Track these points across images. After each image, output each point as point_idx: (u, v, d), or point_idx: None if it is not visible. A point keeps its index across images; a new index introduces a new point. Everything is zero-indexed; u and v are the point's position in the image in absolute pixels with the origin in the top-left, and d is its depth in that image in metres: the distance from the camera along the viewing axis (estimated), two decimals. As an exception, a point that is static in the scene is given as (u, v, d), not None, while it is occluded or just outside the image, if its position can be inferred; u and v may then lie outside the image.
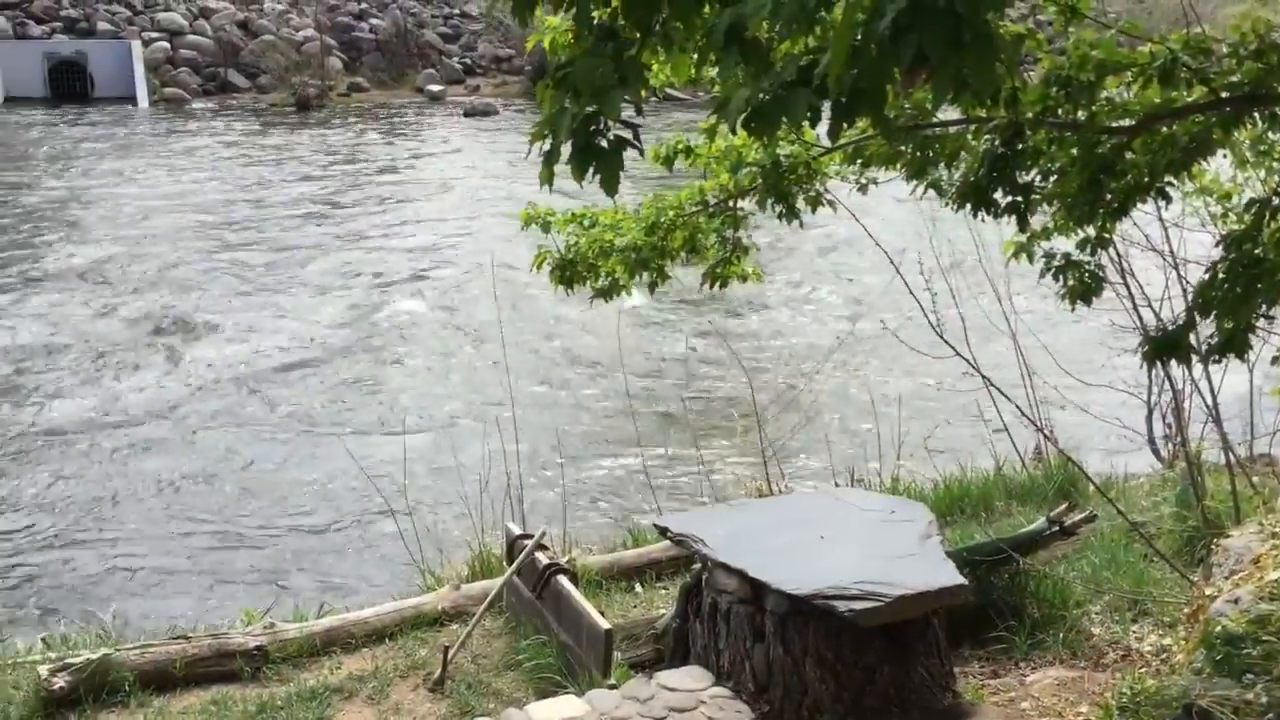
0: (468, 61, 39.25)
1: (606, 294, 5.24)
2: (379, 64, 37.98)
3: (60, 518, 9.34)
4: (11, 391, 12.02)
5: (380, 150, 27.85)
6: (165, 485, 9.97)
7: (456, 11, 41.30)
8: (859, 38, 2.08)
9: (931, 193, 4.56)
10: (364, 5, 39.64)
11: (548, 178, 2.66)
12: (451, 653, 5.59)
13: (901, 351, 8.77)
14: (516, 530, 6.36)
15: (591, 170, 2.53)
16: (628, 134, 2.54)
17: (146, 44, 35.80)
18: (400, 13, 39.25)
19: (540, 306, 14.20)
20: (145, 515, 9.43)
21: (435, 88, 36.93)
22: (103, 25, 36.12)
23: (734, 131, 2.76)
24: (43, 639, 6.20)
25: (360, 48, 38.21)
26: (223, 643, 5.65)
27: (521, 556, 6.03)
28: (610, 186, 2.54)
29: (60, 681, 5.14)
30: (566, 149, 2.56)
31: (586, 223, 5.15)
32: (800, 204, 4.86)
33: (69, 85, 34.73)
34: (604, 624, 5.27)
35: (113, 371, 12.63)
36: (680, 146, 5.04)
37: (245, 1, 38.44)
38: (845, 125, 2.31)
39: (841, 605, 4.58)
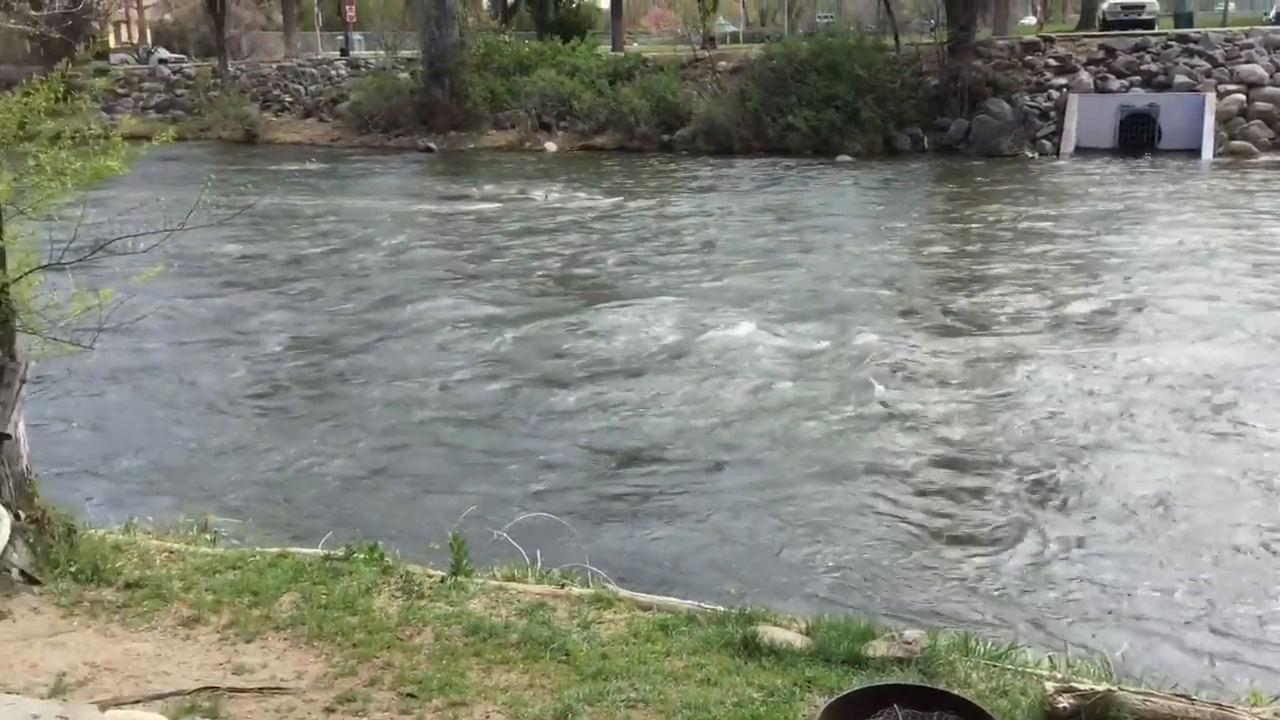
0: None
1: None
2: None
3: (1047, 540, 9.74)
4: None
5: None
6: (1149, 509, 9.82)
7: None
8: None
9: None
10: None
11: None
12: None
13: None
14: None
15: None
16: None
17: (1221, 96, 35.37)
18: None
19: None
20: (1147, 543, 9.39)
21: None
22: (1179, 78, 36.53)
23: None
24: (1049, 657, 6.54)
25: None
26: (1225, 715, 5.42)
27: None
28: None
29: (1064, 702, 5.38)
30: None
31: None
32: None
33: (1136, 136, 35.92)
34: None
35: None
36: None
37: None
38: None
39: None
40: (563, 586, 6.87)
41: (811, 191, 31.43)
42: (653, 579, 8.61)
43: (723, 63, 45.58)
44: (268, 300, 19.10)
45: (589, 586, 6.90)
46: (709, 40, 49.77)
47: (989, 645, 6.13)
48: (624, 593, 6.68)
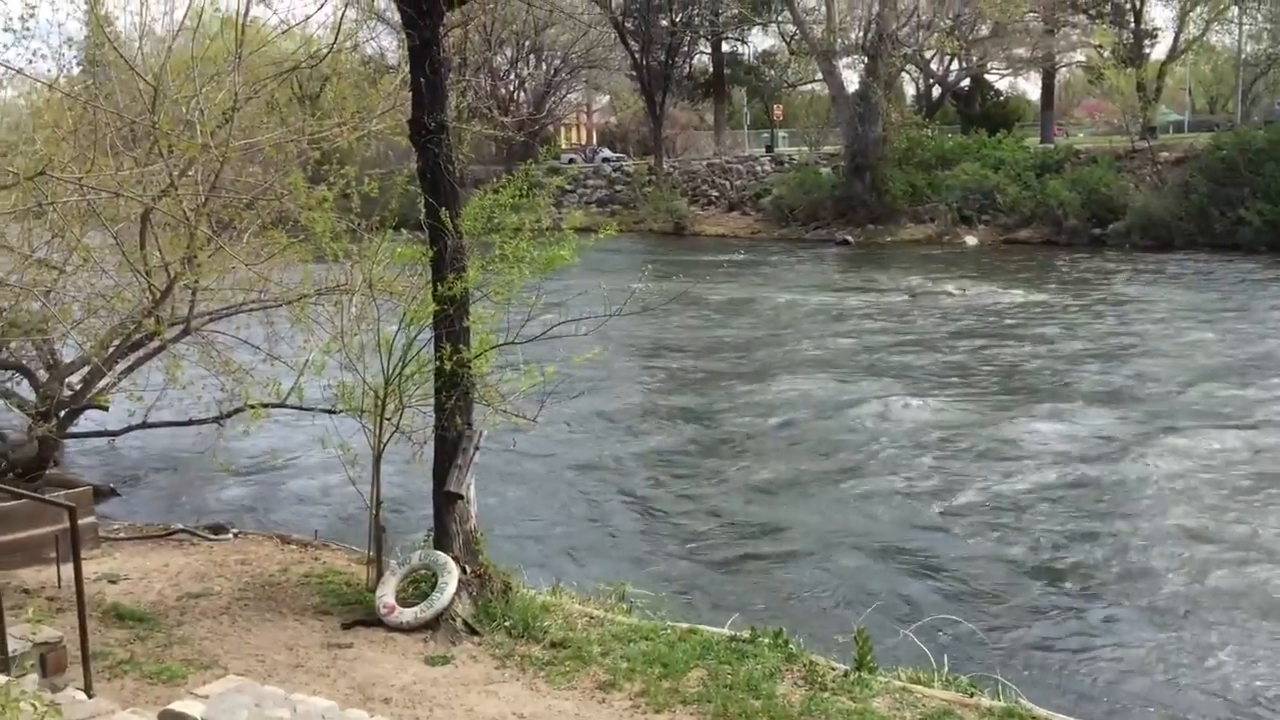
0: None
1: None
2: None
3: None
4: None
5: None
6: None
7: None
8: None
9: None
10: None
11: None
12: None
13: None
14: None
15: None
16: None
17: None
18: None
19: None
20: None
21: None
22: None
23: None
24: None
25: None
26: None
27: None
28: None
29: None
30: None
31: None
32: None
33: None
34: None
35: None
36: None
37: None
38: None
39: None
40: (971, 696, 6.58)
41: (1270, 294, 28.51)
42: (1069, 698, 8.03)
43: (1164, 153, 42.78)
44: (687, 387, 19.94)
45: (999, 699, 6.57)
46: (1149, 130, 46.87)
47: None
48: (1040, 711, 6.29)
